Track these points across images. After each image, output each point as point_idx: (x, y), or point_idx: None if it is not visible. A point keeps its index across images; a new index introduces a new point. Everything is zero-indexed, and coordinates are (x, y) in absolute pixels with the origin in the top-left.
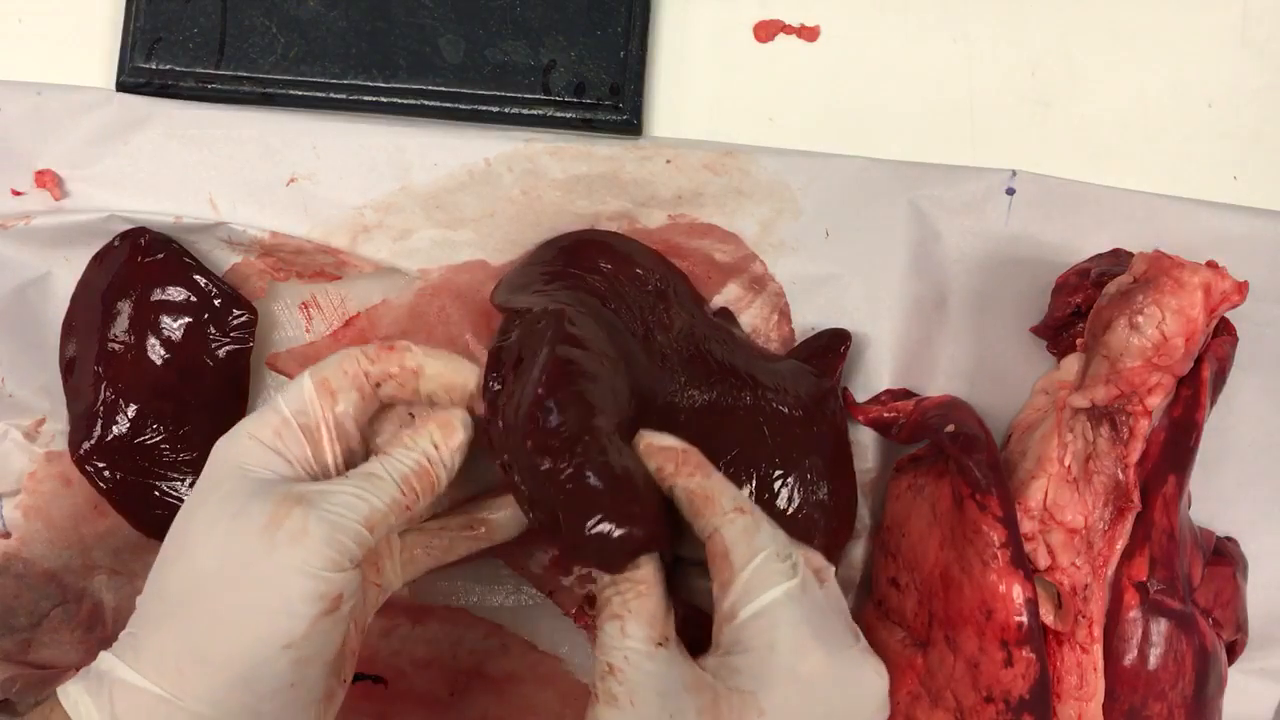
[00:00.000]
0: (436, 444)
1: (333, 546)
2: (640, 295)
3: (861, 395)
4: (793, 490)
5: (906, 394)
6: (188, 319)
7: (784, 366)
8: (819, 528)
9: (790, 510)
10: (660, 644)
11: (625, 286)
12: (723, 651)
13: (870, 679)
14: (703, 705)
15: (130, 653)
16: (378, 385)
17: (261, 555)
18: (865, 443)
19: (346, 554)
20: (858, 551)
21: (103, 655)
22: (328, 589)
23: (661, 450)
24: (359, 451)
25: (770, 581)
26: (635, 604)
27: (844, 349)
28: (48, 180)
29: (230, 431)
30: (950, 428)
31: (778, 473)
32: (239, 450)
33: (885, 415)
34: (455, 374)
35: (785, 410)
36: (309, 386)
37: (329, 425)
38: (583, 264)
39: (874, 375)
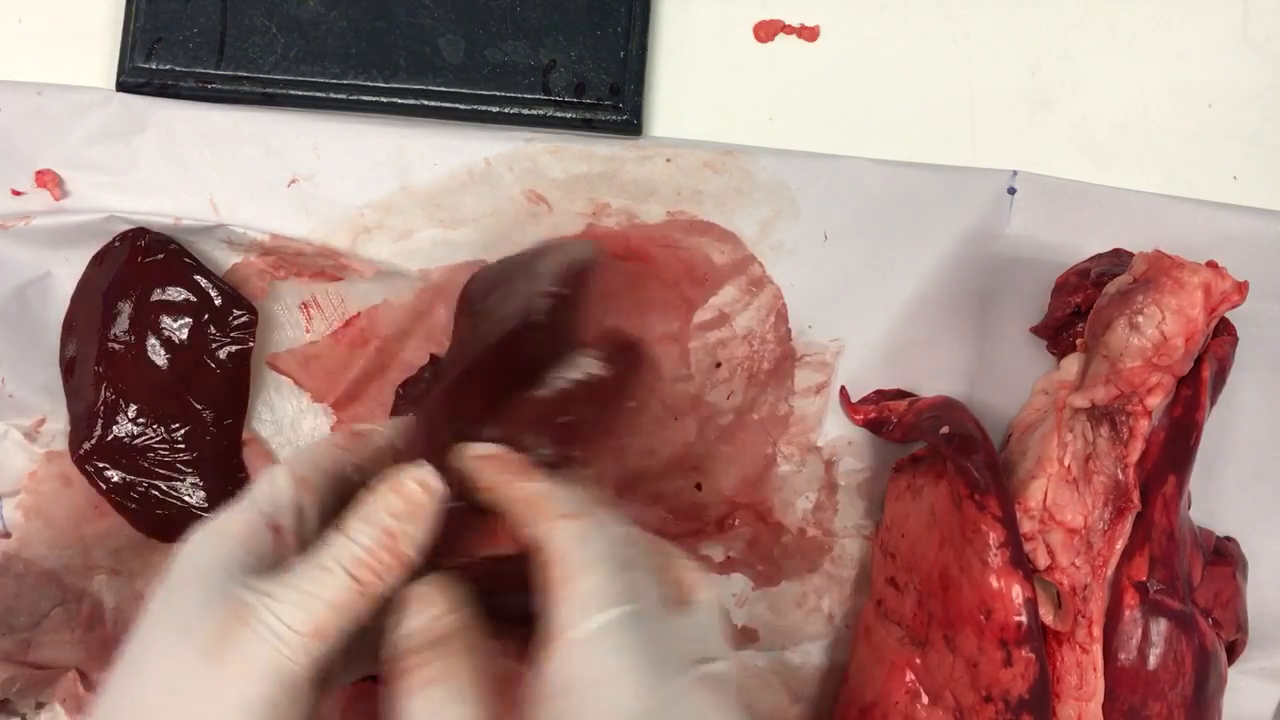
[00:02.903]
0: (395, 514)
1: (275, 675)
2: None
3: (860, 396)
4: None
5: (900, 394)
6: (188, 319)
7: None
8: None
9: None
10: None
11: None
12: (541, 681)
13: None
14: None
15: None
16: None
17: (204, 688)
18: (860, 442)
19: (289, 681)
20: (856, 551)
21: None
22: (276, 711)
23: (482, 459)
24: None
25: (612, 599)
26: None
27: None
28: (48, 180)
29: (199, 532)
30: (945, 429)
31: None
32: (202, 547)
33: (879, 415)
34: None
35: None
36: (282, 482)
37: (300, 516)
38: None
39: (873, 376)
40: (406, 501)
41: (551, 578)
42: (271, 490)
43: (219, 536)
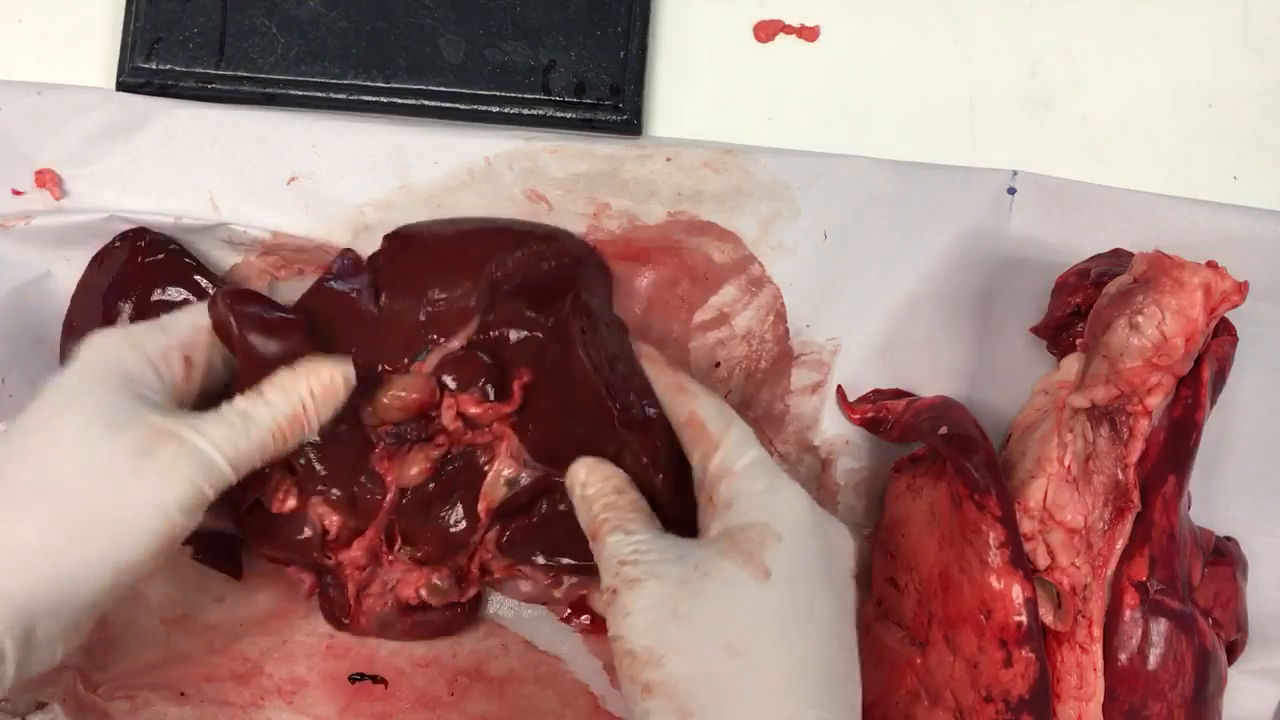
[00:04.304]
0: (314, 392)
1: (193, 491)
2: None
3: (858, 395)
4: None
5: (899, 394)
6: None
7: None
8: None
9: None
10: (663, 531)
11: None
12: (723, 506)
13: (844, 532)
14: (722, 548)
15: None
16: None
17: (127, 480)
18: (857, 442)
19: (201, 499)
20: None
21: None
22: (173, 530)
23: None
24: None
25: (752, 440)
26: (632, 515)
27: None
28: (48, 180)
29: (112, 332)
30: (944, 429)
31: None
32: (121, 357)
33: (877, 415)
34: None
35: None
36: (204, 325)
37: (209, 362)
38: None
39: (870, 375)
40: (324, 387)
41: (706, 433)
42: (193, 324)
43: (134, 350)
